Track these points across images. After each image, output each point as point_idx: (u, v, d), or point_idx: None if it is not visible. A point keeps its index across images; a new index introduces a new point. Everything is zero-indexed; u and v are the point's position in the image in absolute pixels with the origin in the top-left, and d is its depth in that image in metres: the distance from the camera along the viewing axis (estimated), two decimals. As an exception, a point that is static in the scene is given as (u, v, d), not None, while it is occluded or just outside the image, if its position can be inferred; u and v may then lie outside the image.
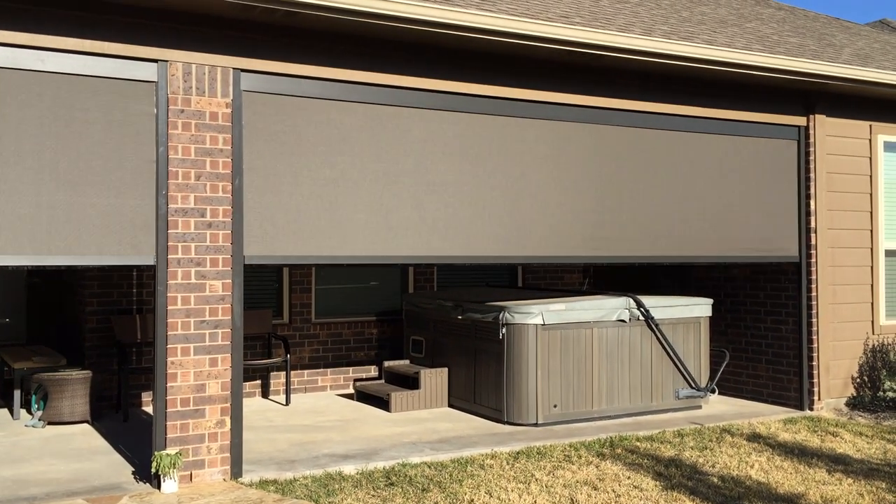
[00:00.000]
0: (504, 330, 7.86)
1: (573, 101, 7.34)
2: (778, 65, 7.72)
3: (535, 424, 7.73)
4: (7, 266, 5.42)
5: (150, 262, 5.76)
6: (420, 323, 9.32)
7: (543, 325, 7.79)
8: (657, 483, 5.93)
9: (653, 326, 8.37)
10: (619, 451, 6.84)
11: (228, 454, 5.91)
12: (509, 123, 7.13)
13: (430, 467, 6.25)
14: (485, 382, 8.16)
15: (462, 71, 6.83)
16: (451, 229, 6.83)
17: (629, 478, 6.05)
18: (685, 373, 8.53)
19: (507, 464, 6.38)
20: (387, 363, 9.40)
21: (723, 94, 8.09)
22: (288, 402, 8.88)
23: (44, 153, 5.46)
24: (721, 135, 8.19)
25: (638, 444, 7.08)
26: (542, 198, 7.25)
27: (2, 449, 6.75)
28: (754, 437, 7.38)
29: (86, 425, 7.70)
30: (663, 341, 8.43)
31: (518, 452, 6.73)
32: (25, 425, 7.64)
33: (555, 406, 7.84)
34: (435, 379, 8.63)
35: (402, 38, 6.42)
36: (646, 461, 6.53)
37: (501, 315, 7.89)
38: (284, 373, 9.21)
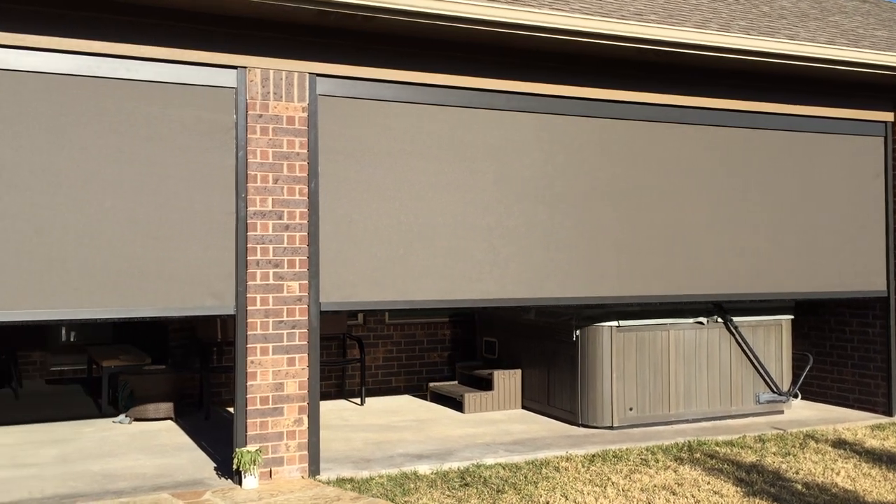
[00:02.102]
0: (578, 331, 7.79)
1: (646, 100, 7.23)
2: (865, 59, 7.45)
3: (611, 427, 7.64)
4: (96, 319, 5.64)
5: (231, 311, 5.89)
6: (493, 324, 9.31)
7: (618, 326, 7.69)
8: (738, 489, 5.78)
9: (732, 329, 8.17)
10: (697, 455, 6.70)
11: (306, 452, 6.01)
12: (583, 125, 7.07)
13: (504, 468, 6.24)
14: (559, 384, 8.10)
15: (537, 71, 6.80)
16: (525, 271, 6.81)
17: (709, 483, 5.92)
18: (766, 376, 8.30)
19: (583, 467, 6.32)
20: (459, 364, 9.43)
21: (805, 89, 7.85)
22: (362, 402, 8.98)
23: (123, 185, 5.63)
24: (802, 132, 7.94)
25: (717, 448, 6.92)
26: (613, 232, 7.16)
27: (91, 444, 7.02)
28: (840, 444, 7.13)
29: (169, 422, 7.94)
30: (743, 344, 8.22)
31: (593, 455, 6.66)
32: (113, 421, 7.93)
33: (630, 409, 7.72)
34: (508, 380, 8.61)
35: (475, 39, 6.42)
36: (726, 466, 6.37)
37: (575, 316, 7.81)
38: (359, 373, 9.33)
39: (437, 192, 6.53)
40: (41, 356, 10.24)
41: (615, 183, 7.20)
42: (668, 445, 7.00)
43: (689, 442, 7.10)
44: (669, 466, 6.35)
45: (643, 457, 6.63)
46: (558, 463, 6.41)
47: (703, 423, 7.92)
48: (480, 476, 6.03)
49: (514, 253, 6.78)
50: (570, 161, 7.03)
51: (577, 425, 7.76)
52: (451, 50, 6.48)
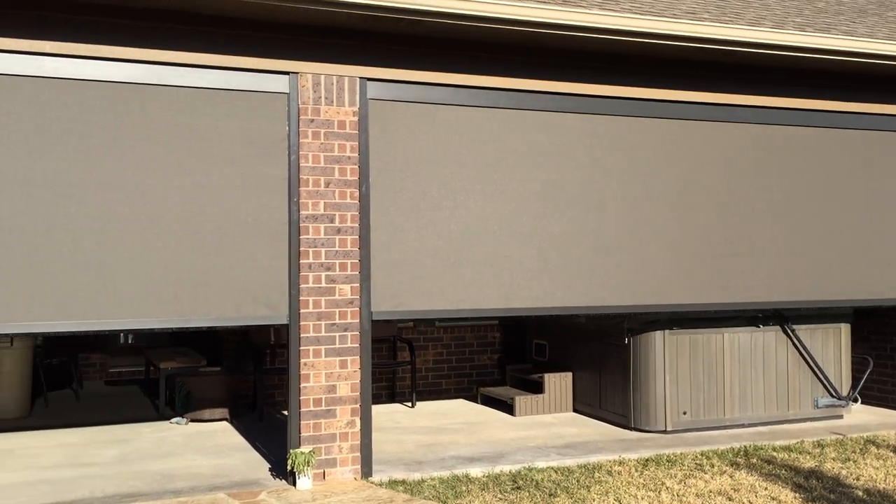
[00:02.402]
0: (630, 334, 7.71)
1: (701, 100, 7.14)
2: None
3: (664, 431, 7.54)
4: (153, 329, 5.77)
5: (284, 321, 5.97)
6: (543, 327, 9.27)
7: (671, 329, 7.59)
8: (797, 495, 5.66)
9: (789, 332, 8.01)
10: (754, 460, 6.58)
11: (359, 454, 6.06)
12: (633, 126, 7.01)
13: (556, 472, 6.21)
14: (610, 387, 8.03)
15: (584, 72, 6.75)
16: (575, 278, 6.77)
17: (766, 489, 5.81)
18: (825, 380, 8.11)
19: (636, 471, 6.25)
20: (510, 367, 9.41)
21: (864, 87, 7.65)
22: (413, 405, 9.02)
23: (178, 196, 5.73)
24: (866, 130, 7.74)
25: (774, 453, 6.79)
26: (666, 236, 7.07)
27: (150, 444, 7.17)
28: (903, 450, 6.94)
29: (224, 423, 8.07)
30: (800, 347, 8.05)
31: (647, 460, 6.58)
32: (170, 422, 8.09)
33: (684, 413, 7.62)
34: (559, 383, 8.57)
35: (522, 40, 6.40)
36: (783, 472, 6.25)
37: (627, 318, 7.74)
38: (409, 375, 9.37)
39: (486, 198, 6.52)
40: (100, 358, 10.51)
41: (667, 186, 7.11)
42: (723, 450, 6.88)
43: (745, 447, 6.97)
44: (725, 472, 6.25)
45: (698, 461, 6.53)
46: (611, 467, 6.35)
47: (760, 428, 7.77)
48: (532, 479, 6.00)
49: (563, 260, 6.74)
50: (620, 164, 6.96)
51: (630, 429, 7.68)
52: (500, 52, 6.47)
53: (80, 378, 9.88)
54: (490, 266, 6.51)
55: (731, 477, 6.11)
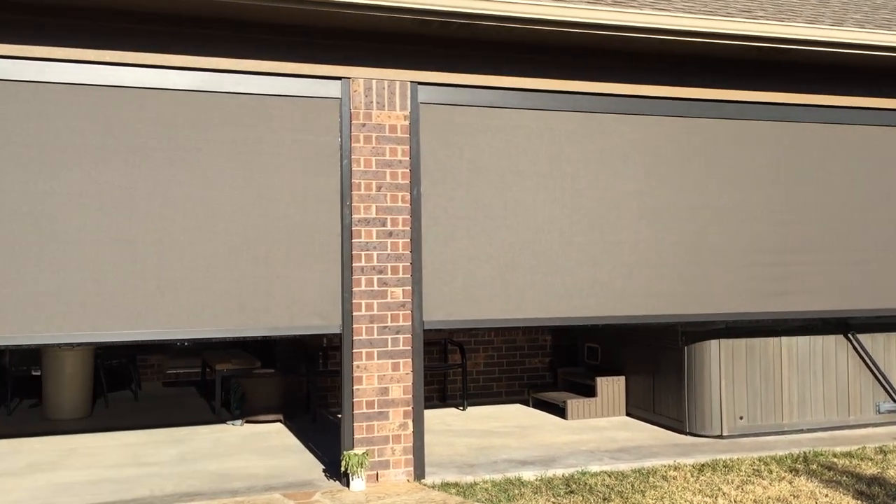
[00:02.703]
0: (684, 337, 7.61)
1: (756, 99, 7.02)
2: None
3: (720, 436, 7.42)
4: (209, 339, 5.87)
5: (337, 331, 6.02)
6: (595, 330, 9.20)
7: (727, 332, 7.47)
8: (858, 502, 5.52)
9: (849, 336, 7.81)
10: (813, 466, 6.43)
11: (411, 456, 6.09)
12: (686, 129, 6.92)
13: (610, 476, 6.15)
14: (664, 391, 7.93)
15: (638, 73, 6.70)
16: (629, 288, 6.71)
17: (826, 496, 5.67)
18: (887, 386, 7.89)
19: (692, 476, 6.16)
20: (561, 370, 9.35)
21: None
22: (464, 407, 9.02)
23: (232, 205, 5.82)
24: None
25: (835, 460, 6.63)
26: (721, 243, 6.97)
27: (207, 444, 7.30)
28: (971, 458, 6.71)
29: (278, 424, 8.18)
30: (861, 352, 7.84)
31: (703, 465, 6.48)
32: (226, 423, 8.23)
33: (741, 418, 7.48)
34: (612, 387, 8.49)
35: (573, 42, 6.37)
36: (844, 479, 6.09)
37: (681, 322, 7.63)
38: (460, 378, 9.38)
39: (538, 206, 6.50)
40: (158, 360, 10.75)
41: (723, 192, 7.00)
42: (781, 456, 6.74)
43: (804, 452, 6.82)
44: (784, 478, 6.12)
45: (755, 467, 6.41)
46: (666, 472, 6.27)
47: (819, 434, 7.59)
48: (586, 483, 5.96)
49: (617, 269, 6.68)
50: (674, 170, 6.87)
51: (685, 433, 7.57)
52: (549, 54, 6.45)
53: (139, 379, 10.11)
54: (542, 275, 6.48)
55: (790, 483, 5.98)
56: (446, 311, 6.25)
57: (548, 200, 6.54)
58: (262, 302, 5.85)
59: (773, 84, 7.05)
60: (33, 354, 8.74)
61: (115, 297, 5.55)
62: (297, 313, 5.93)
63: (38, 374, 8.73)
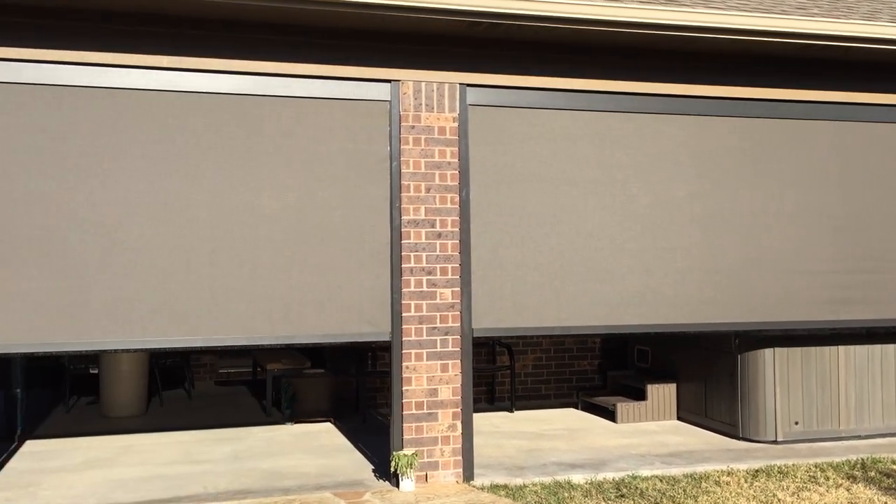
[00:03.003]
0: (738, 340, 7.48)
1: (816, 98, 6.88)
2: None
3: (774, 442, 7.27)
4: (262, 346, 5.93)
5: (387, 338, 6.05)
6: (646, 332, 9.08)
7: (782, 337, 7.32)
8: (920, 512, 5.37)
9: (909, 339, 7.60)
10: (872, 473, 6.27)
11: (460, 457, 6.09)
12: (741, 128, 6.81)
13: (661, 481, 6.08)
14: (717, 395, 7.80)
15: (693, 73, 6.61)
16: (682, 295, 6.62)
17: (886, 503, 5.54)
18: (949, 391, 7.66)
19: (745, 482, 6.05)
20: (611, 373, 9.27)
21: None
22: (512, 409, 8.99)
23: (283, 213, 5.87)
24: None
25: (894, 466, 6.45)
26: (777, 249, 6.84)
27: (259, 443, 7.40)
28: None
29: (328, 424, 8.25)
30: (922, 355, 7.63)
31: (756, 470, 6.36)
32: (280, 424, 8.32)
33: (796, 423, 7.33)
34: (662, 390, 8.38)
35: (622, 42, 6.31)
36: (905, 487, 5.93)
37: (734, 325, 7.51)
38: (508, 380, 9.35)
39: (588, 213, 6.45)
40: (210, 359, 10.93)
41: (779, 196, 6.87)
42: (838, 462, 6.59)
43: (862, 459, 6.66)
44: (841, 485, 5.98)
45: (811, 474, 6.28)
46: (719, 477, 6.17)
47: (878, 440, 7.40)
48: (636, 487, 5.89)
49: (669, 276, 6.59)
50: (728, 174, 6.76)
51: (738, 438, 7.44)
52: (600, 54, 6.40)
53: (192, 378, 10.29)
54: (593, 283, 6.43)
55: (847, 490, 5.84)
56: (495, 317, 6.24)
57: (598, 207, 6.48)
58: (312, 309, 5.90)
59: (832, 83, 6.89)
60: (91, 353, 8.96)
61: (171, 305, 5.64)
62: (348, 320, 5.97)
63: (96, 372, 8.95)
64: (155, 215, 5.65)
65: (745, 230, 6.80)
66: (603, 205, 6.50)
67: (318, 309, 5.91)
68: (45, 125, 5.49)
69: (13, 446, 7.28)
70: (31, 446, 7.31)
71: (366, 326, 6.01)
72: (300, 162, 5.94)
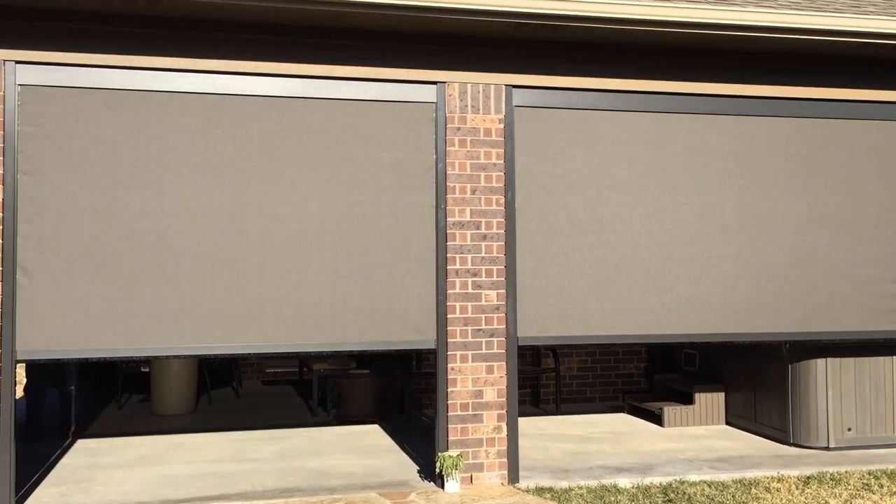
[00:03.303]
0: (788, 344, 7.34)
1: (871, 98, 6.73)
2: None
3: (826, 448, 7.12)
4: (310, 353, 5.99)
5: (432, 346, 6.06)
6: (693, 335, 8.97)
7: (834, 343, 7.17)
8: (981, 522, 5.21)
9: (968, 344, 7.38)
10: (929, 482, 6.11)
11: (505, 459, 6.08)
12: (789, 131, 6.68)
13: (709, 486, 5.99)
14: (766, 400, 7.66)
15: (745, 73, 6.52)
16: (730, 304, 6.52)
17: (944, 514, 5.38)
18: None
19: (797, 488, 5.94)
20: (658, 376, 9.16)
21: None
22: (558, 412, 8.95)
23: (331, 220, 5.92)
24: None
25: (953, 476, 6.27)
26: (830, 258, 6.71)
27: (305, 442, 7.48)
28: None
29: (374, 424, 8.30)
30: (982, 361, 7.40)
31: (808, 477, 6.24)
32: (324, 424, 8.40)
33: (849, 429, 7.17)
34: (710, 394, 8.26)
35: (669, 42, 6.23)
36: (964, 496, 5.76)
37: (785, 328, 7.37)
38: (553, 382, 9.30)
39: (634, 221, 6.39)
40: (257, 359, 11.08)
41: (832, 202, 6.73)
42: (893, 470, 6.42)
43: (918, 467, 6.49)
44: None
45: (865, 481, 6.13)
46: (769, 483, 6.06)
47: (935, 448, 7.20)
48: (684, 493, 5.82)
49: (717, 285, 6.50)
50: (777, 181, 6.64)
51: (788, 444, 7.29)
52: (648, 54, 6.34)
53: (240, 378, 10.44)
54: (639, 291, 6.37)
55: (903, 499, 5.70)
56: (540, 326, 6.22)
57: (644, 214, 6.42)
58: (358, 317, 5.94)
59: (887, 82, 6.73)
60: (142, 352, 9.14)
61: (220, 312, 5.72)
62: (393, 328, 5.99)
63: (147, 370, 9.13)
64: (204, 223, 5.73)
65: (798, 237, 6.67)
66: (649, 212, 6.43)
67: (364, 317, 5.95)
68: (99, 134, 5.59)
69: (67, 443, 7.47)
70: (84, 443, 7.49)
71: (411, 334, 6.03)
72: (347, 168, 5.98)
